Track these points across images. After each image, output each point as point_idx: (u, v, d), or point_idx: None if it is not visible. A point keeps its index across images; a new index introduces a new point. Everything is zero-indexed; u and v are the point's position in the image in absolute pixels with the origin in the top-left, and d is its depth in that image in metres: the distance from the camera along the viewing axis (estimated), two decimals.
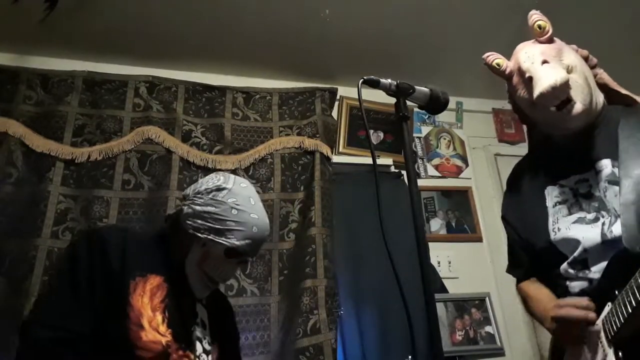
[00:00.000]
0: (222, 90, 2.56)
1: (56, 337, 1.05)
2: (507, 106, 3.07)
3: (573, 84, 1.15)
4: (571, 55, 1.23)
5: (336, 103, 2.77)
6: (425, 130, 2.95)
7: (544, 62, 1.18)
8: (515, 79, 1.26)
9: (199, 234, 1.19)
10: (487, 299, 2.49)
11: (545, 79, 1.13)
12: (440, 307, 2.43)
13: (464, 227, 2.71)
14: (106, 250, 1.13)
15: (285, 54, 2.58)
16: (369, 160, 2.57)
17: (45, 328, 1.07)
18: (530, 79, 1.17)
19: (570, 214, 1.20)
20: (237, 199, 1.21)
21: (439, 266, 2.57)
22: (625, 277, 0.99)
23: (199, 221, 1.19)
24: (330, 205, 2.39)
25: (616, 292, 1.02)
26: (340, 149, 2.69)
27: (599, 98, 1.22)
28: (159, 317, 1.10)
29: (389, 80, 1.07)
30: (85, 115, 2.33)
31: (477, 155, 2.98)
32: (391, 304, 2.24)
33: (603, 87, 1.27)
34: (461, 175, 2.87)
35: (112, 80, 2.43)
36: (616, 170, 1.13)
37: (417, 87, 1.10)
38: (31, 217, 2.06)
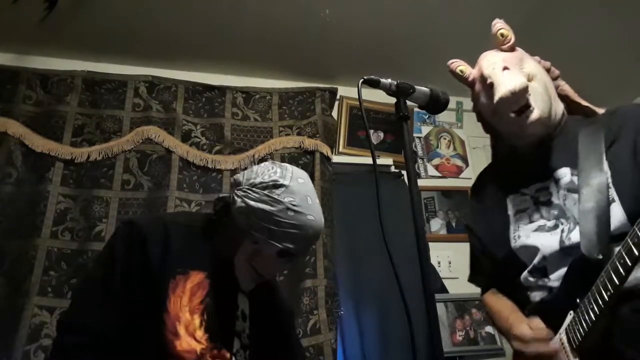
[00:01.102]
0: (222, 90, 2.56)
1: (83, 342, 1.01)
2: None
3: (532, 91, 1.18)
4: (532, 64, 1.25)
5: (336, 103, 2.77)
6: (426, 130, 2.95)
7: (505, 68, 1.20)
8: (478, 86, 1.27)
9: (253, 232, 1.11)
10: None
11: (504, 84, 1.15)
12: (440, 307, 2.42)
13: (464, 227, 2.70)
14: (146, 244, 1.08)
15: (285, 53, 2.58)
16: (369, 160, 2.57)
17: (72, 332, 1.03)
18: (491, 85, 1.19)
19: (531, 222, 1.21)
20: (295, 198, 1.11)
21: (439, 266, 2.57)
22: (585, 284, 1.00)
23: (253, 218, 1.10)
24: (330, 205, 2.39)
25: (577, 300, 1.02)
26: (340, 149, 2.69)
27: (559, 108, 1.24)
28: (197, 321, 1.06)
29: (389, 80, 1.07)
30: (85, 115, 2.32)
31: (477, 155, 2.97)
32: (391, 304, 2.24)
33: (565, 98, 1.29)
34: (461, 175, 2.87)
35: (111, 80, 2.43)
36: (575, 178, 1.15)
37: (417, 87, 1.10)
38: (31, 217, 2.06)
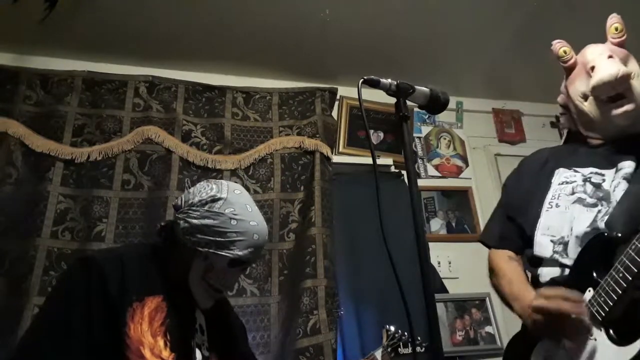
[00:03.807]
0: (222, 90, 2.56)
1: None
2: (507, 106, 3.14)
3: (631, 85, 1.18)
4: (636, 65, 1.25)
5: (336, 103, 2.77)
6: (425, 130, 2.95)
7: (610, 57, 1.21)
8: (577, 71, 1.28)
9: (200, 248, 1.15)
10: (487, 299, 2.48)
11: (607, 67, 1.17)
12: (440, 307, 2.42)
13: (464, 227, 2.70)
14: (104, 278, 1.07)
15: (285, 53, 2.58)
16: (369, 160, 2.57)
17: None
18: (593, 68, 1.20)
19: (573, 193, 1.21)
20: (235, 208, 1.17)
21: (439, 266, 2.57)
22: (601, 261, 1.01)
23: (199, 235, 1.15)
24: (330, 205, 2.39)
25: (594, 275, 1.04)
26: (340, 149, 2.69)
27: None
28: (161, 342, 1.07)
29: (389, 80, 1.07)
30: (85, 115, 2.32)
31: (477, 155, 2.98)
32: (391, 304, 2.24)
33: None
34: (461, 175, 2.87)
35: (111, 80, 2.43)
36: (637, 170, 1.15)
37: (417, 87, 1.10)
38: (31, 217, 2.06)
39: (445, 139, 2.95)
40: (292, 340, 2.07)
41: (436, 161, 2.87)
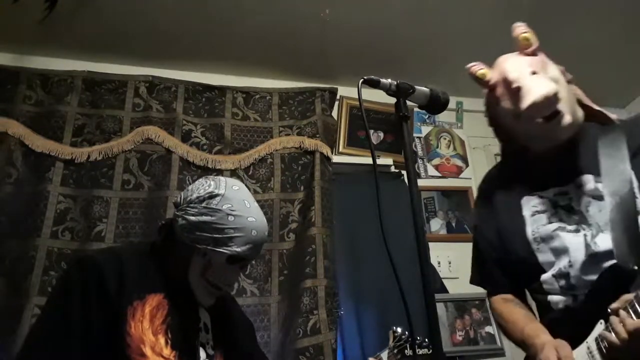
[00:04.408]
0: (222, 90, 2.56)
1: None
2: None
3: (560, 96, 1.15)
4: (554, 69, 1.22)
5: (336, 103, 2.77)
6: (425, 130, 2.95)
7: (533, 72, 1.17)
8: (500, 90, 1.23)
9: (198, 245, 1.15)
10: (487, 299, 2.48)
11: (536, 89, 1.12)
12: (440, 307, 2.42)
13: (464, 227, 2.70)
14: (102, 277, 1.07)
15: (285, 53, 2.58)
16: (369, 160, 2.57)
17: None
18: (518, 89, 1.15)
19: (550, 222, 1.19)
20: (232, 204, 1.17)
21: (439, 266, 2.57)
22: (615, 293, 0.99)
23: (197, 232, 1.15)
24: (330, 205, 2.39)
25: (608, 309, 1.00)
26: (340, 149, 2.69)
27: (580, 112, 1.21)
28: (162, 340, 1.07)
29: (389, 80, 1.07)
30: (85, 115, 2.32)
31: (477, 155, 2.97)
32: (391, 304, 2.24)
33: (577, 102, 1.27)
34: (461, 175, 2.87)
35: (111, 80, 2.43)
36: (599, 185, 1.14)
37: (417, 87, 1.10)
38: (31, 217, 2.06)
39: (445, 139, 2.95)
40: (292, 340, 2.07)
41: (436, 161, 2.87)
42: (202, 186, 1.21)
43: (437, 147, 2.91)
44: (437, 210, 2.73)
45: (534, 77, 1.16)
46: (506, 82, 1.20)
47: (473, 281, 1.45)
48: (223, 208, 1.16)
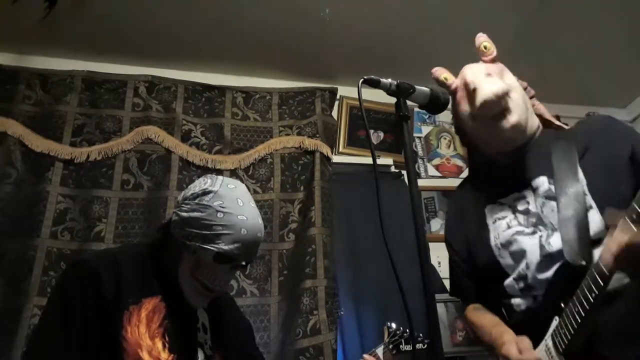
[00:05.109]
0: (222, 90, 2.56)
1: None
2: None
3: (511, 100, 1.23)
4: (512, 78, 1.31)
5: (336, 103, 2.76)
6: (426, 130, 2.95)
7: (488, 75, 1.26)
8: (460, 94, 1.31)
9: (188, 242, 1.14)
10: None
11: (487, 87, 1.22)
12: (440, 307, 2.42)
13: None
14: (99, 282, 1.06)
15: (285, 53, 2.58)
16: (369, 160, 2.57)
17: None
18: (474, 89, 1.24)
19: (509, 227, 1.24)
20: (223, 201, 1.15)
21: (439, 266, 2.56)
22: (568, 290, 1.02)
23: (187, 228, 1.14)
24: (330, 205, 2.39)
25: (562, 305, 1.04)
26: (340, 149, 2.69)
27: (534, 121, 1.29)
28: (159, 344, 1.06)
29: (389, 80, 1.07)
30: (85, 115, 2.32)
31: None
32: (391, 304, 2.24)
33: (539, 117, 1.35)
34: (461, 175, 2.86)
35: (111, 80, 2.42)
36: (552, 186, 1.18)
37: (417, 87, 1.10)
38: (30, 217, 2.06)
39: (445, 138, 2.95)
40: (292, 341, 2.07)
41: (436, 161, 2.87)
42: (199, 183, 1.21)
43: (438, 147, 2.91)
44: (438, 210, 2.73)
45: (487, 78, 1.25)
46: (465, 85, 1.28)
47: (451, 293, 1.51)
48: (213, 205, 1.14)
